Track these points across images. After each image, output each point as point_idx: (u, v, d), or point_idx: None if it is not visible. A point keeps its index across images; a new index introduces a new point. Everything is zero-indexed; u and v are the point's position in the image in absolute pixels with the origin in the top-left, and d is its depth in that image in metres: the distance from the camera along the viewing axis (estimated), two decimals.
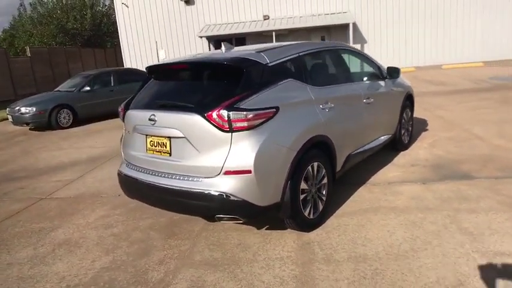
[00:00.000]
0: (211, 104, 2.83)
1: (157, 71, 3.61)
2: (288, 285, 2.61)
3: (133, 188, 3.36)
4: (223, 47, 3.54)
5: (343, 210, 3.69)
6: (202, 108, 2.82)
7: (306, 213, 3.21)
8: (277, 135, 2.90)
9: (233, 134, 2.75)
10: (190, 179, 2.91)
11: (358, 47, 18.41)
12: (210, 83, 3.21)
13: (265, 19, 20.20)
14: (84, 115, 10.62)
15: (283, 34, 19.56)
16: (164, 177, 3.05)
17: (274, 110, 2.88)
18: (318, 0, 19.64)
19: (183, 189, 2.90)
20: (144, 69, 3.86)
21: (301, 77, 3.38)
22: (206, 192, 2.80)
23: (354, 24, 18.43)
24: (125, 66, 20.43)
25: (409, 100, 5.44)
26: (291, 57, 3.39)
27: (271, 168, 2.87)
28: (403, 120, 5.24)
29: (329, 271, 2.72)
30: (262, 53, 3.19)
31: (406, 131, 5.45)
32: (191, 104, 2.98)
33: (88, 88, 10.92)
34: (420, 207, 3.61)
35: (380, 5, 19.11)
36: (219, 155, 2.79)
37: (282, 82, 3.14)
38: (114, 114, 11.30)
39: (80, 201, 4.63)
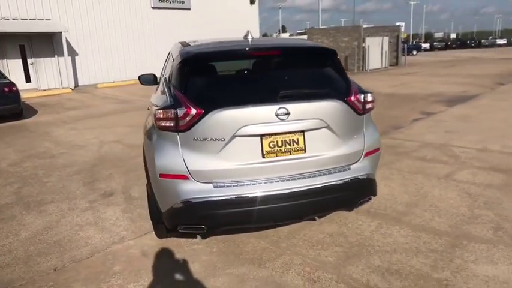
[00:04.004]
0: (338, 88, 2.74)
1: (226, 57, 2.79)
2: (421, 236, 3.09)
3: (236, 211, 2.50)
4: (249, 35, 3.19)
5: None
6: (338, 93, 2.68)
7: None
8: None
9: (364, 116, 2.82)
10: (337, 170, 2.68)
11: (68, 59, 16.97)
12: (311, 68, 2.90)
13: None
14: None
15: None
16: (300, 179, 2.58)
17: None
18: (10, 2, 16.23)
19: (331, 183, 2.64)
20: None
21: None
22: (356, 179, 2.72)
23: (61, 34, 16.66)
24: None
25: None
26: None
27: None
28: None
29: (416, 215, 3.39)
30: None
31: None
32: (323, 90, 2.69)
33: None
34: None
35: (88, 16, 18.29)
36: (358, 138, 2.79)
37: None
38: None
39: None
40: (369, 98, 2.82)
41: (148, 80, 4.93)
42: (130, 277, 2.78)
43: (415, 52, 39.53)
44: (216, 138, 2.47)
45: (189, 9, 22.58)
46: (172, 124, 2.50)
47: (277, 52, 2.90)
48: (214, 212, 2.51)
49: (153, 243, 3.25)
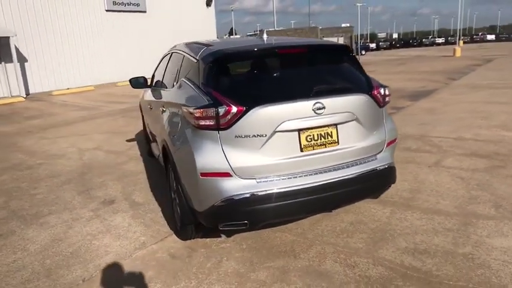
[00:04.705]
0: (362, 83, 2.92)
1: (257, 56, 2.85)
2: (434, 218, 3.35)
3: (279, 205, 2.57)
4: (265, 35, 3.30)
5: None
6: (363, 87, 2.85)
7: None
8: None
9: (383, 108, 3.01)
10: (366, 160, 2.86)
11: (17, 65, 15.87)
12: (334, 64, 3.04)
13: None
14: None
15: None
16: (335, 170, 2.72)
17: None
18: None
19: (362, 173, 2.80)
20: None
21: None
22: (382, 167, 2.90)
23: (9, 39, 15.55)
24: None
25: None
26: None
27: None
28: None
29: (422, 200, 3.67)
30: None
31: None
32: (351, 85, 2.86)
33: None
34: None
35: (37, 20, 17.21)
36: (381, 129, 2.99)
37: None
38: None
39: None
40: (387, 91, 3.02)
41: (138, 83, 4.88)
42: (169, 280, 2.75)
43: (363, 52, 41.50)
44: (257, 135, 2.53)
45: (145, 11, 22.06)
46: (212, 123, 2.52)
47: (304, 50, 3.03)
48: (259, 207, 2.56)
49: (178, 245, 3.22)
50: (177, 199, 3.08)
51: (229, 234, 3.30)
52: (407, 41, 66.64)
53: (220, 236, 3.29)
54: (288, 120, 2.56)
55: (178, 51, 3.75)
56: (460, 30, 33.92)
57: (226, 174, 2.54)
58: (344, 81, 2.95)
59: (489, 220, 3.24)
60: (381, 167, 2.91)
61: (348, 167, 2.78)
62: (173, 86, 3.47)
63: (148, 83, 4.96)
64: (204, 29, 25.34)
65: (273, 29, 27.73)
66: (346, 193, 2.79)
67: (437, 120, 7.09)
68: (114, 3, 20.38)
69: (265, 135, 2.54)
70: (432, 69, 17.97)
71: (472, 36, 68.71)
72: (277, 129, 2.55)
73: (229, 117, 2.50)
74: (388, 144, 3.05)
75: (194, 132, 2.65)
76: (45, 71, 17.61)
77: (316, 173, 2.68)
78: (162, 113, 3.51)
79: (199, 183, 2.60)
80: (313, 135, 2.66)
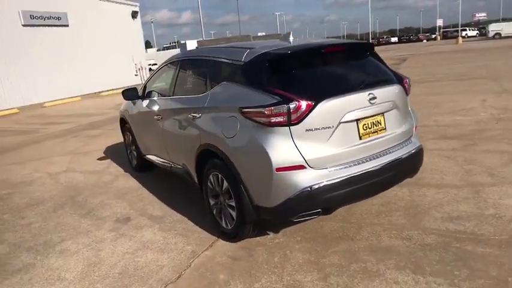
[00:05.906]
0: (392, 75, 3.26)
1: (306, 55, 3.09)
2: (449, 191, 3.82)
3: (349, 190, 2.77)
4: (291, 37, 3.51)
5: None
6: (395, 79, 3.22)
7: None
8: None
9: (408, 97, 3.40)
10: (405, 144, 3.19)
11: None
12: (365, 59, 3.31)
13: None
14: None
15: None
16: (386, 154, 3.01)
17: None
18: None
19: (406, 155, 3.13)
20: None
21: None
22: (417, 149, 3.27)
23: None
24: None
25: None
26: None
27: None
28: None
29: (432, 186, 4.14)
30: None
31: None
32: (389, 76, 3.22)
33: None
34: None
35: None
36: (409, 115, 3.39)
37: None
38: None
39: None
40: (410, 82, 3.42)
41: (132, 95, 4.83)
42: (247, 279, 2.77)
43: None
44: (325, 127, 2.71)
45: (67, 25, 20.71)
46: (283, 119, 2.64)
47: (343, 48, 3.30)
48: (333, 194, 2.73)
49: (232, 248, 3.23)
50: (232, 201, 3.09)
51: (276, 230, 3.39)
52: None
53: (268, 234, 3.37)
54: (350, 111, 2.80)
55: (198, 57, 3.76)
56: (370, 34, 37.42)
57: (301, 167, 2.68)
58: (382, 74, 3.27)
59: (492, 186, 3.81)
60: (417, 149, 3.28)
61: (395, 150, 3.10)
62: (203, 92, 3.48)
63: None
64: (132, 40, 24.60)
65: (207, 39, 27.77)
66: (398, 173, 3.10)
67: None
68: (32, 17, 18.80)
69: (333, 127, 2.74)
70: None
71: (378, 39, 75.86)
72: (341, 120, 2.76)
73: (299, 112, 2.64)
74: (416, 128, 3.44)
75: (262, 130, 2.73)
76: None
77: (374, 158, 2.95)
78: (193, 119, 3.48)
79: (274, 178, 2.69)
80: (368, 123, 2.92)
